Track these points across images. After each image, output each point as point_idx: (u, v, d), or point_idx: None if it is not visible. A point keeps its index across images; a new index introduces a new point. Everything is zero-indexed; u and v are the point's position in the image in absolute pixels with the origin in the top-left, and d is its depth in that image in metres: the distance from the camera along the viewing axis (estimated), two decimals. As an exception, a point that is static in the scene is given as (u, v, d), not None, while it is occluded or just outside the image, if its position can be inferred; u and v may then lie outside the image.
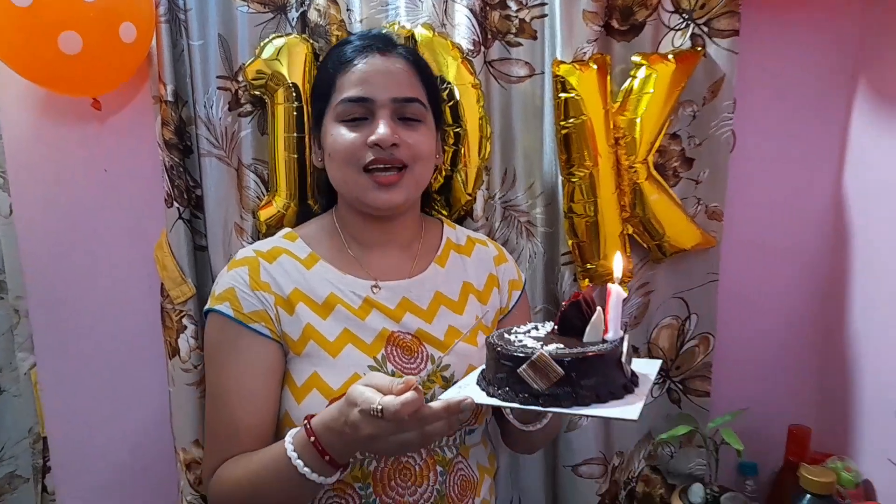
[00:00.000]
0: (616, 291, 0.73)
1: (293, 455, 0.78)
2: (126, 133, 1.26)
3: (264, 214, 1.19)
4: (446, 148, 1.17)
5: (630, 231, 1.25)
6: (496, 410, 1.00)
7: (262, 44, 1.16)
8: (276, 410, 0.91)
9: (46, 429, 1.37)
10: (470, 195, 1.21)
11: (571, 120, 1.17)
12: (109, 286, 1.32)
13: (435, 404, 0.71)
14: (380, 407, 0.69)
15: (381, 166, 0.92)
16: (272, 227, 1.17)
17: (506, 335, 0.80)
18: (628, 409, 0.69)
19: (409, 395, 0.69)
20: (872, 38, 1.23)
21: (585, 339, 0.74)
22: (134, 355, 1.34)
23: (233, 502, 0.87)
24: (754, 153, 1.30)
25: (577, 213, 1.20)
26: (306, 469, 0.77)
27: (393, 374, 0.90)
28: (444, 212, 1.22)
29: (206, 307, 0.95)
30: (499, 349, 0.75)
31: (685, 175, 1.28)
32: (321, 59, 1.09)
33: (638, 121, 1.20)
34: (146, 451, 1.38)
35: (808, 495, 1.13)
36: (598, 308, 0.74)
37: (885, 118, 1.20)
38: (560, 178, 1.23)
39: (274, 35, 1.16)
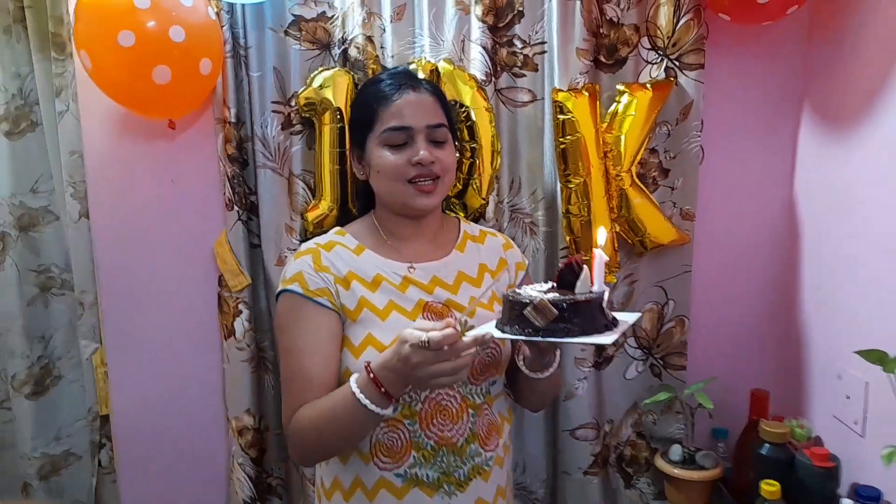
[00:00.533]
0: (599, 255, 0.98)
1: (356, 391, 1.00)
2: (190, 150, 1.48)
3: (311, 216, 1.41)
4: (464, 160, 1.41)
5: (617, 229, 1.49)
6: (512, 367, 1.23)
7: (312, 75, 1.39)
8: (338, 366, 1.12)
9: (112, 406, 1.57)
10: (484, 199, 1.44)
11: (568, 137, 1.41)
12: (173, 279, 1.52)
13: (466, 338, 0.95)
14: (426, 338, 0.92)
15: (422, 180, 1.15)
16: (317, 227, 1.40)
17: (517, 290, 1.05)
18: (605, 338, 0.94)
19: (449, 329, 0.93)
20: (815, 70, 1.48)
21: (577, 291, 0.98)
22: (192, 338, 1.55)
23: (311, 437, 1.08)
24: (720, 164, 1.53)
25: (574, 214, 1.44)
26: (367, 401, 0.99)
27: None
28: (461, 213, 1.45)
29: (279, 289, 1.16)
30: (511, 298, 1.00)
31: (662, 183, 1.52)
32: (359, 92, 1.30)
33: (622, 137, 1.44)
34: (197, 421, 1.58)
35: (767, 445, 1.37)
36: (586, 268, 0.98)
37: (827, 135, 1.44)
38: (559, 185, 1.47)
39: (322, 68, 1.40)
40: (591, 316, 0.96)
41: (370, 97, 1.19)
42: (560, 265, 1.04)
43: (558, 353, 1.17)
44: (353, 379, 1.03)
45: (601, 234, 1.07)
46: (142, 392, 1.56)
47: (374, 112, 1.17)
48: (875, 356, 1.05)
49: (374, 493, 1.12)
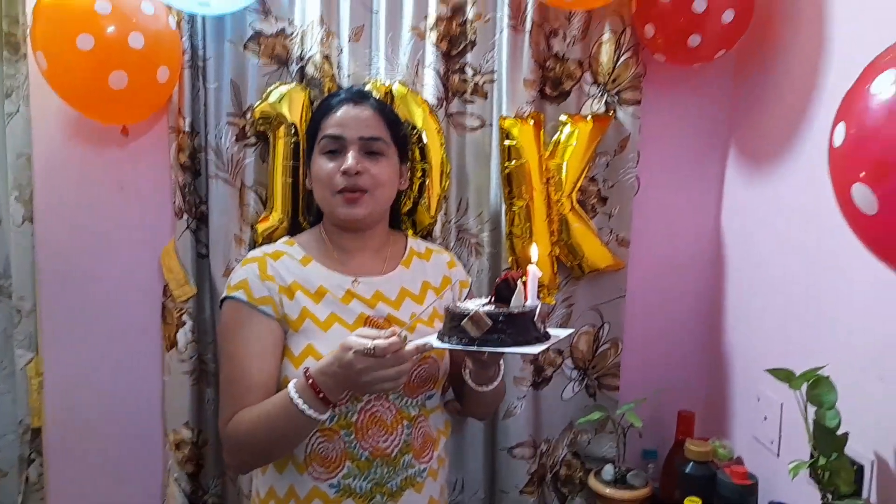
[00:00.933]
0: (533, 271, 1.05)
1: (294, 395, 1.02)
2: (142, 158, 1.49)
3: (262, 227, 1.43)
4: (415, 180, 1.45)
5: (557, 253, 1.56)
6: (458, 381, 1.27)
7: (269, 89, 1.43)
8: (278, 374, 1.14)
9: (46, 418, 1.52)
10: (433, 218, 1.49)
11: (513, 162, 1.48)
12: (117, 287, 1.51)
13: (408, 347, 1.00)
14: (372, 345, 0.96)
15: (348, 193, 1.18)
16: (266, 238, 1.42)
17: (457, 303, 1.10)
18: (533, 349, 1.01)
19: (394, 338, 0.98)
20: (740, 109, 1.59)
21: (511, 305, 1.04)
22: (133, 348, 1.53)
23: (247, 441, 1.09)
24: (653, 194, 1.62)
25: (517, 235, 1.50)
26: (304, 406, 1.02)
27: None
28: (410, 231, 1.50)
29: (224, 295, 1.18)
30: (450, 310, 1.06)
31: (601, 210, 1.60)
32: (315, 109, 1.35)
33: (564, 165, 1.51)
34: (134, 434, 1.56)
35: (691, 463, 1.44)
36: (520, 283, 1.05)
37: (750, 170, 1.55)
38: (503, 207, 1.53)
39: (278, 83, 1.44)
40: (523, 328, 1.03)
41: (319, 109, 1.26)
42: (497, 281, 1.10)
43: (502, 367, 1.22)
44: (291, 384, 1.05)
45: (534, 252, 1.14)
46: (77, 403, 1.53)
47: (319, 122, 1.23)
48: (783, 374, 1.13)
49: (307, 502, 1.14)
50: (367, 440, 1.15)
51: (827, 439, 1.08)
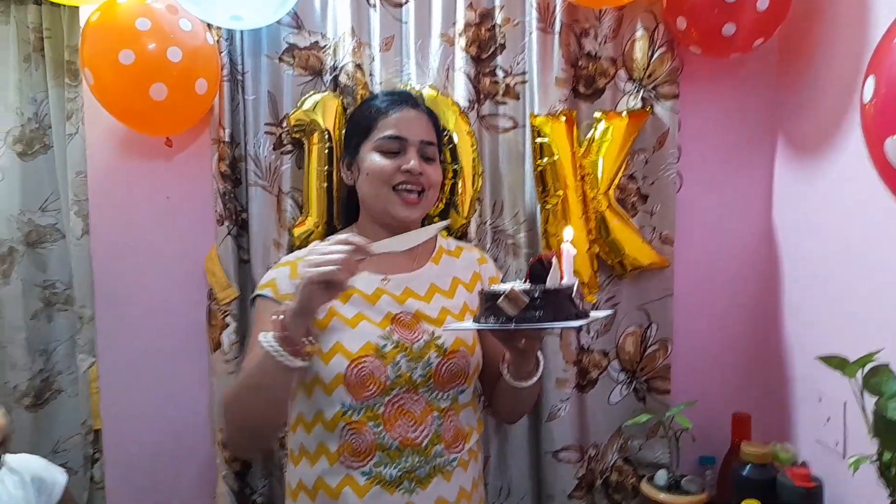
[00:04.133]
0: (567, 249, 1.01)
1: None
2: (186, 168, 1.56)
3: (298, 231, 1.47)
4: (446, 181, 1.46)
5: (597, 251, 1.52)
6: (490, 379, 1.24)
7: (303, 98, 1.47)
8: None
9: (103, 419, 1.59)
10: (465, 219, 1.49)
11: (545, 159, 1.47)
12: (165, 293, 1.57)
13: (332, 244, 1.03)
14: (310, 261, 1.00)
15: (408, 187, 1.20)
16: (304, 242, 1.44)
17: (492, 286, 1.09)
18: (573, 323, 0.98)
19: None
20: (786, 100, 1.53)
21: (548, 284, 1.01)
22: (181, 351, 1.58)
23: (235, 408, 1.11)
24: (698, 191, 1.57)
25: (552, 234, 1.48)
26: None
27: (398, 344, 1.15)
28: (443, 233, 1.49)
29: (254, 294, 1.21)
30: (485, 291, 1.04)
31: (642, 208, 1.55)
32: (360, 104, 1.39)
33: (599, 161, 1.49)
34: (186, 435, 1.60)
35: (749, 466, 1.35)
36: (555, 261, 1.01)
37: (800, 164, 1.48)
38: (538, 207, 1.51)
39: (312, 92, 1.48)
40: (561, 305, 1.00)
41: (371, 108, 1.27)
42: (531, 261, 1.08)
43: (541, 362, 1.18)
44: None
45: (568, 232, 1.11)
46: (131, 405, 1.59)
47: (373, 121, 1.24)
48: (836, 362, 1.05)
49: (337, 491, 1.14)
50: (396, 430, 1.14)
51: (890, 432, 1.00)
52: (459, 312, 1.22)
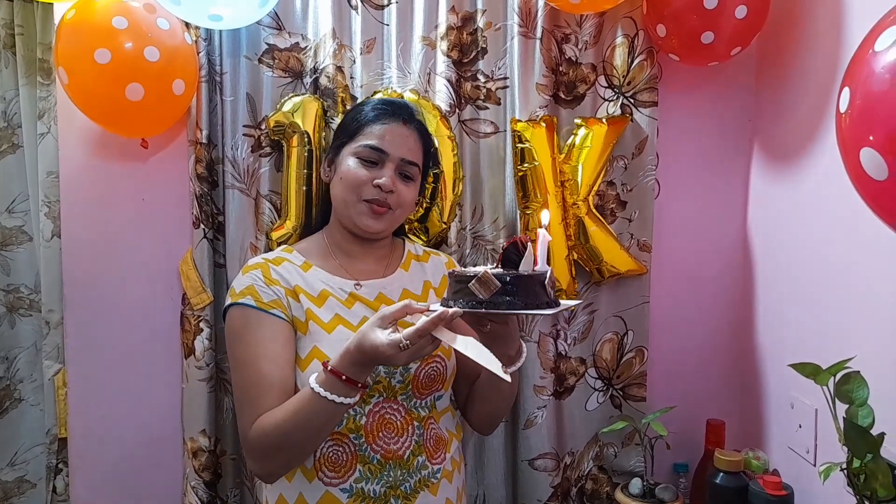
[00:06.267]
0: (543, 235, 1.00)
1: (320, 390, 1.00)
2: (162, 170, 1.53)
3: (276, 235, 1.45)
4: (427, 185, 1.45)
5: (575, 257, 1.52)
6: (464, 385, 1.23)
7: (282, 100, 1.46)
8: (293, 373, 1.13)
9: (70, 427, 1.55)
10: (445, 224, 1.48)
11: (526, 165, 1.47)
12: (137, 297, 1.54)
13: (424, 320, 0.96)
14: (404, 344, 0.95)
15: (377, 202, 1.18)
16: (282, 246, 1.43)
17: (463, 269, 1.06)
18: (545, 311, 0.96)
19: (421, 320, 0.95)
20: (763, 108, 1.55)
21: (520, 269, 0.99)
22: (152, 357, 1.55)
23: (276, 442, 1.06)
24: (675, 197, 1.59)
25: (531, 240, 1.48)
26: (332, 395, 0.99)
27: None
28: (422, 237, 1.49)
29: (228, 303, 1.17)
30: (457, 274, 1.01)
31: (620, 215, 1.56)
32: (358, 104, 1.37)
33: (579, 167, 1.49)
34: (156, 443, 1.56)
35: (721, 473, 1.36)
36: (530, 245, 1.00)
37: (776, 172, 1.50)
38: (518, 213, 1.52)
39: (292, 94, 1.47)
40: (533, 292, 0.98)
41: (364, 112, 1.24)
42: (504, 244, 1.06)
43: (524, 348, 1.17)
44: (312, 379, 1.02)
45: (545, 216, 1.10)
46: (101, 412, 1.55)
47: (361, 126, 1.22)
48: (808, 368, 1.06)
49: None
50: (378, 442, 1.13)
51: (860, 439, 1.01)
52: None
